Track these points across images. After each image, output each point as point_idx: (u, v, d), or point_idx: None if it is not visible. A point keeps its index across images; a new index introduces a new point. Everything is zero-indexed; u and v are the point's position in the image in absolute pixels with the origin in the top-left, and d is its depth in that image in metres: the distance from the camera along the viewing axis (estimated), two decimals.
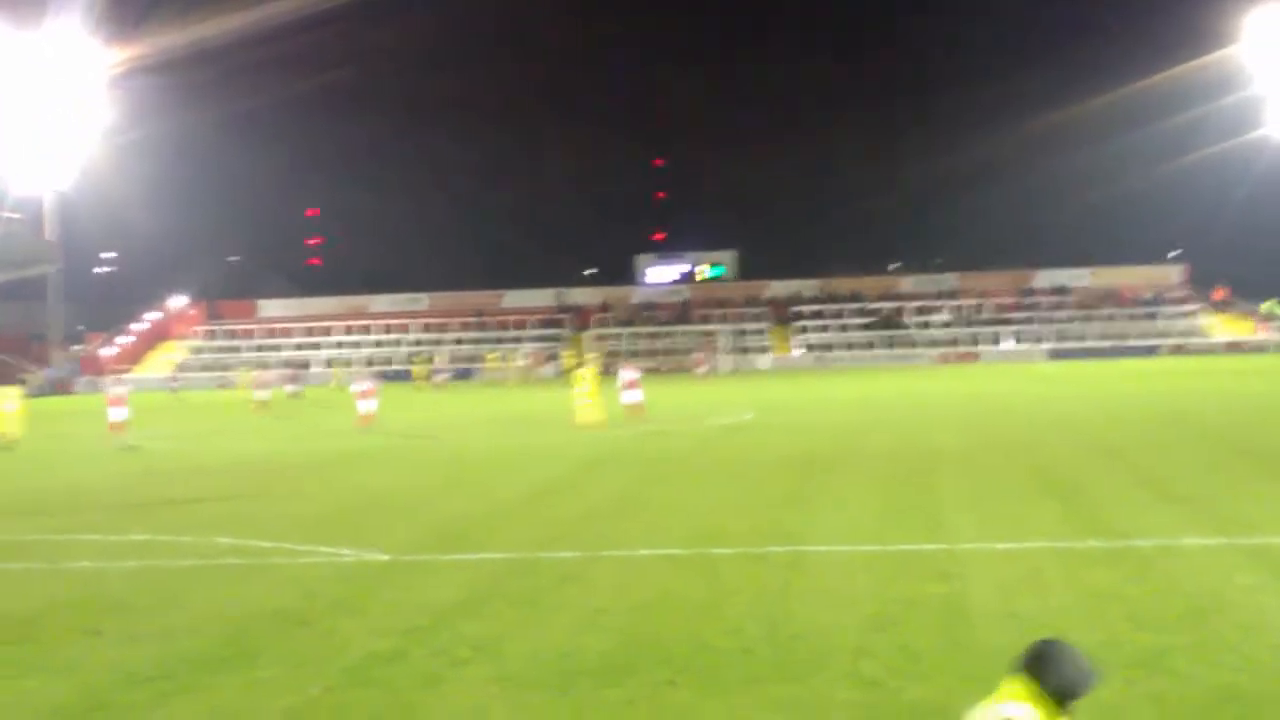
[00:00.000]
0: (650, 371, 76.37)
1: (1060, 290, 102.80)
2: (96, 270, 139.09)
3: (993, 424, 36.45)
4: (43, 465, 34.45)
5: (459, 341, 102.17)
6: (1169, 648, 11.63)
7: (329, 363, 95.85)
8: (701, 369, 75.80)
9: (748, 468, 27.10)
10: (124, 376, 54.00)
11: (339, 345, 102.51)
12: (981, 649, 11.74)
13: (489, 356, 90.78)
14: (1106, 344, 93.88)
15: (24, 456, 37.32)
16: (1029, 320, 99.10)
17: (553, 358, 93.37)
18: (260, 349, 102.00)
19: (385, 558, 17.45)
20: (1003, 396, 49.75)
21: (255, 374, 61.06)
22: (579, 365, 43.91)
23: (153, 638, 13.27)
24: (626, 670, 11.49)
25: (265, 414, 54.97)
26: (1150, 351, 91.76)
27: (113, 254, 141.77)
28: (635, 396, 42.80)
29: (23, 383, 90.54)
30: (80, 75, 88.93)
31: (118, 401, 43.16)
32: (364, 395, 44.30)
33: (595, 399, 40.57)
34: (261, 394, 58.71)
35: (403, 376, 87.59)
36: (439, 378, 79.30)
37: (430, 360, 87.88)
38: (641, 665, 11.63)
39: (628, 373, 43.88)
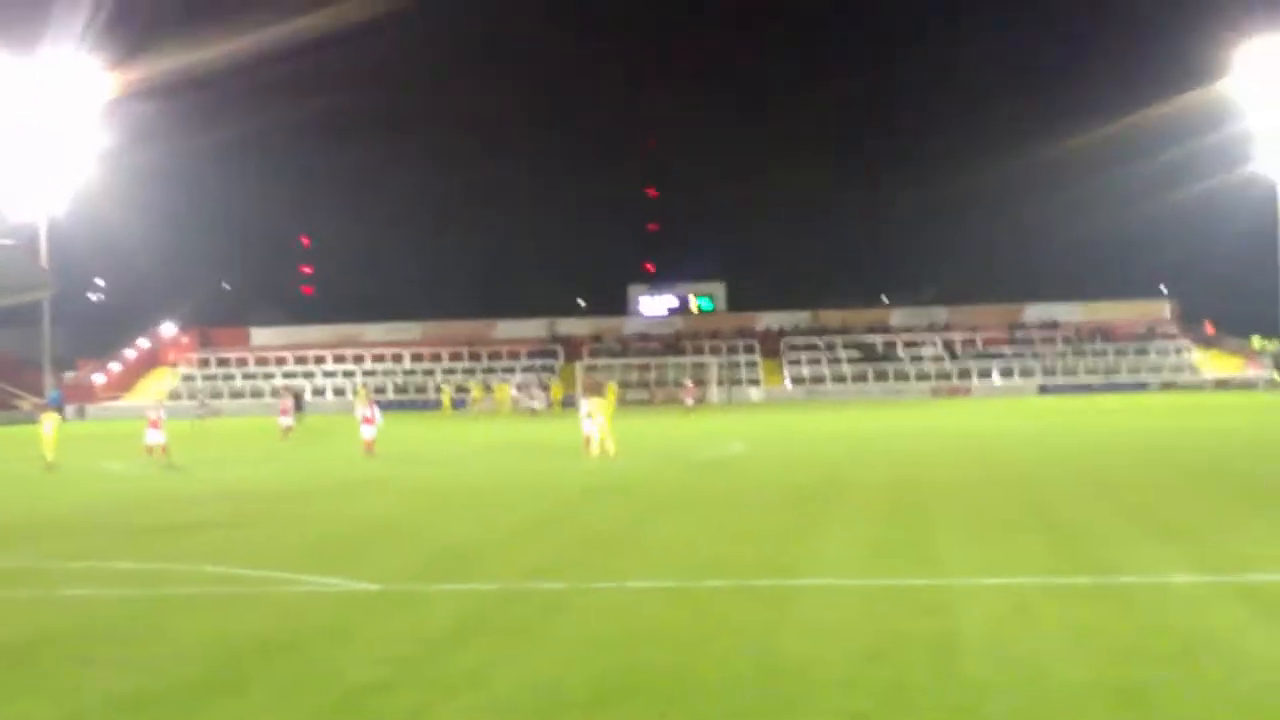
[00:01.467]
0: (641, 403, 76.49)
1: (1050, 324, 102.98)
2: (89, 296, 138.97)
3: (984, 458, 36.51)
4: (35, 490, 34.39)
5: (450, 371, 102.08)
6: (1155, 684, 11.64)
7: (353, 389, 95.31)
8: (690, 400, 75.69)
9: (739, 501, 27.12)
10: (158, 402, 54.70)
11: (329, 374, 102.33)
12: (970, 682, 11.76)
13: (474, 387, 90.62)
14: (1097, 379, 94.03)
15: (13, 479, 37.26)
16: (1019, 354, 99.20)
17: (544, 388, 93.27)
18: (252, 376, 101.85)
19: (376, 587, 17.43)
20: (993, 431, 49.83)
21: (281, 401, 60.92)
22: (597, 394, 43.91)
23: (142, 665, 13.25)
24: (615, 702, 11.49)
25: (288, 440, 54.88)
26: (1140, 387, 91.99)
27: (104, 280, 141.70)
28: (590, 428, 42.16)
29: (15, 408, 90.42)
30: (74, 100, 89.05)
31: (155, 424, 43.85)
32: (366, 421, 44.72)
33: (609, 428, 40.43)
34: (285, 420, 58.42)
35: (412, 406, 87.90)
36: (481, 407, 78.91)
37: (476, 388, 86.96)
38: (630, 697, 11.62)
39: (586, 403, 43.49)
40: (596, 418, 40.34)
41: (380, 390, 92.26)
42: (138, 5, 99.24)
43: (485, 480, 34.07)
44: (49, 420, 43.55)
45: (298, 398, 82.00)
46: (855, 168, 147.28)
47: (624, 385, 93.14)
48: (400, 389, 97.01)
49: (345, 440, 52.83)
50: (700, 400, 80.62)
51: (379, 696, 11.86)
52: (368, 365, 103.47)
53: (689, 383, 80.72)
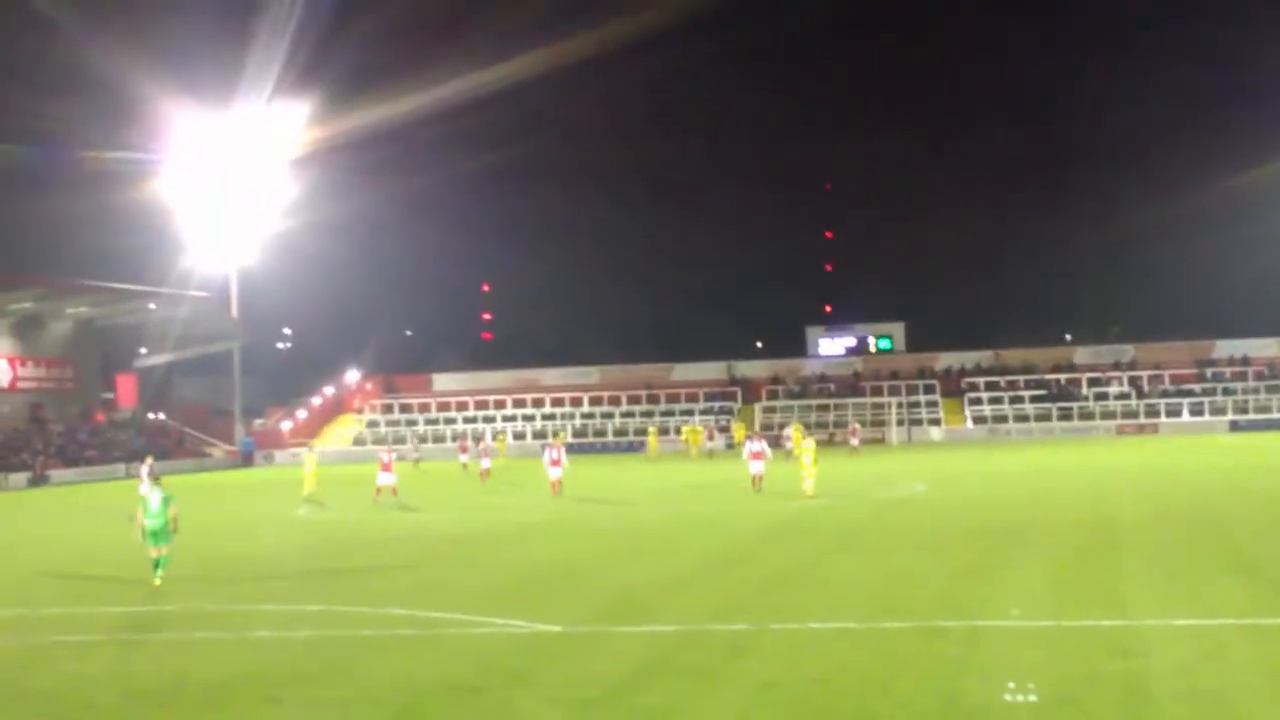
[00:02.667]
0: (821, 443, 75.94)
1: (1242, 360, 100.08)
2: (277, 345, 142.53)
3: (1173, 496, 35.62)
4: (229, 534, 35.24)
5: (628, 414, 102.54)
6: None
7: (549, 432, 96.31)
8: (855, 441, 74.55)
9: (921, 540, 26.79)
10: (392, 447, 57.15)
11: (509, 419, 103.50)
12: None
13: (650, 431, 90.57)
14: None
15: (204, 527, 38.25)
16: (1209, 391, 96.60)
17: (724, 429, 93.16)
18: (434, 422, 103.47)
19: (559, 629, 17.55)
20: (1183, 469, 48.56)
21: (482, 444, 61.48)
22: (804, 437, 45.23)
23: (330, 706, 13.51)
24: None
25: (488, 481, 55.36)
26: None
27: (291, 330, 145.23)
28: (758, 468, 43.74)
29: (207, 455, 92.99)
30: (264, 154, 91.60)
31: (387, 467, 46.81)
32: (554, 463, 46.17)
33: (815, 469, 40.52)
34: (485, 463, 58.44)
35: (590, 449, 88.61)
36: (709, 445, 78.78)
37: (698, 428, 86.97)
38: None
39: (754, 444, 44.95)
40: (803, 458, 40.56)
41: (557, 434, 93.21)
42: (325, 60, 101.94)
43: (664, 521, 34.10)
44: (310, 460, 48.88)
45: (477, 441, 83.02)
46: (1036, 202, 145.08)
47: (804, 425, 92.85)
48: (579, 433, 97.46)
49: (527, 483, 53.28)
50: (865, 441, 79.44)
51: None
52: (546, 409, 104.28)
53: (855, 424, 79.94)
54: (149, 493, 25.09)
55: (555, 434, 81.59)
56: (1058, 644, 15.23)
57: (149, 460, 46.16)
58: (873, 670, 14.20)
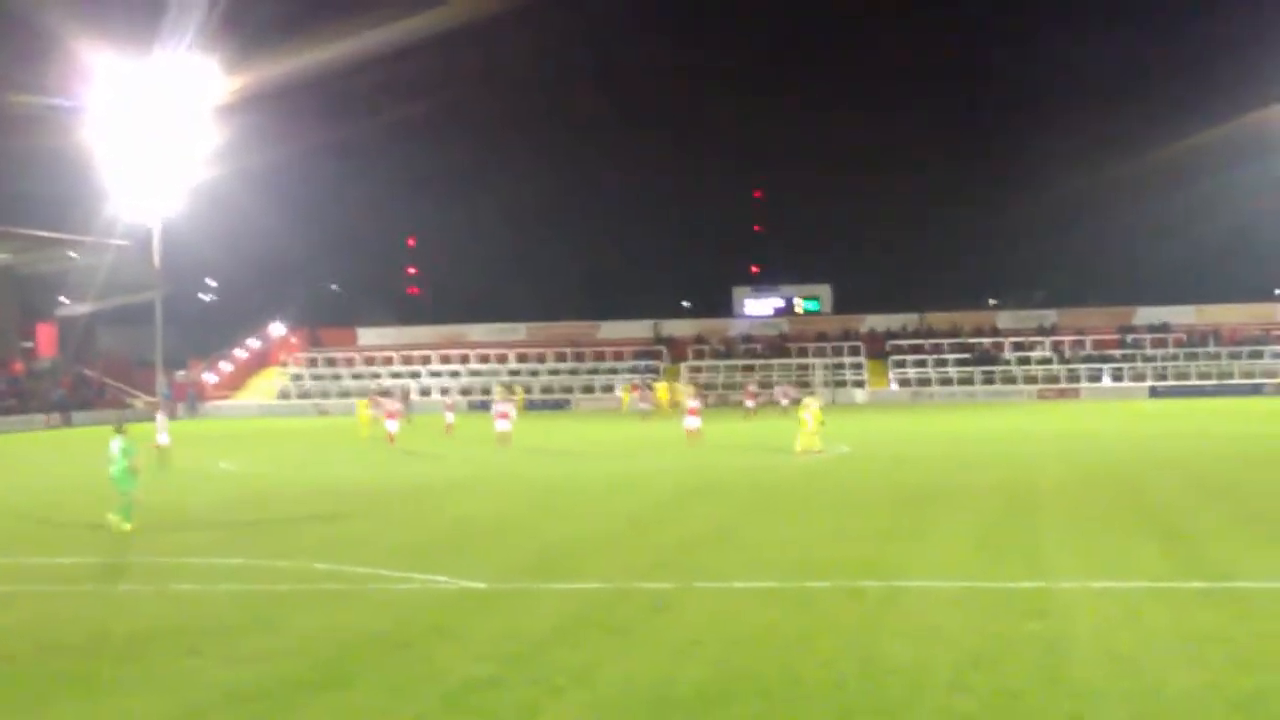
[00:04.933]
0: (741, 404, 76.10)
1: (1161, 327, 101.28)
2: (200, 296, 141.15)
3: (1093, 461, 36.03)
4: (149, 488, 34.84)
5: (554, 372, 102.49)
6: (1272, 691, 11.44)
7: (439, 390, 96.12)
8: (784, 402, 74.63)
9: (844, 501, 26.99)
10: (385, 395, 58.54)
11: (435, 374, 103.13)
12: (1080, 688, 11.63)
13: (624, 387, 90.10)
14: (1209, 383, 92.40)
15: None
16: (1129, 357, 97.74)
17: (648, 388, 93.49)
18: (359, 377, 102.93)
19: (483, 585, 17.55)
20: (1103, 434, 49.14)
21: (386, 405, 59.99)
22: (808, 394, 47.72)
23: (252, 659, 13.46)
24: (720, 702, 11.49)
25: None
26: (1254, 390, 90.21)
27: (215, 281, 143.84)
28: (694, 423, 47.30)
29: (128, 406, 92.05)
30: (186, 102, 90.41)
31: (392, 415, 50.46)
32: (501, 416, 49.25)
33: (818, 428, 41.12)
34: (392, 424, 57.34)
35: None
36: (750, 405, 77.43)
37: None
38: (735, 697, 11.62)
39: (691, 401, 49.07)
40: (805, 417, 41.18)
41: (486, 391, 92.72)
42: (248, 8, 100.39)
43: (591, 478, 34.11)
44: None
45: (406, 396, 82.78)
46: (963, 169, 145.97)
47: (727, 387, 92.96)
48: (508, 389, 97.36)
49: (449, 439, 53.14)
50: (791, 402, 79.62)
51: (487, 693, 11.94)
52: (473, 365, 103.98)
53: (786, 385, 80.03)
54: (112, 440, 25.68)
55: (511, 389, 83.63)
56: (977, 605, 15.40)
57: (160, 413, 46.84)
58: (795, 629, 14.31)
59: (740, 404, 75.08)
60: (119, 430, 26.43)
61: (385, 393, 76.15)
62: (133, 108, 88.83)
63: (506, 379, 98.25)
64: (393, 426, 50.87)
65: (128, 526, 24.53)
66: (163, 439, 42.81)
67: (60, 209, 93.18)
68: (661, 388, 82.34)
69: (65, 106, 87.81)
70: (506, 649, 13.59)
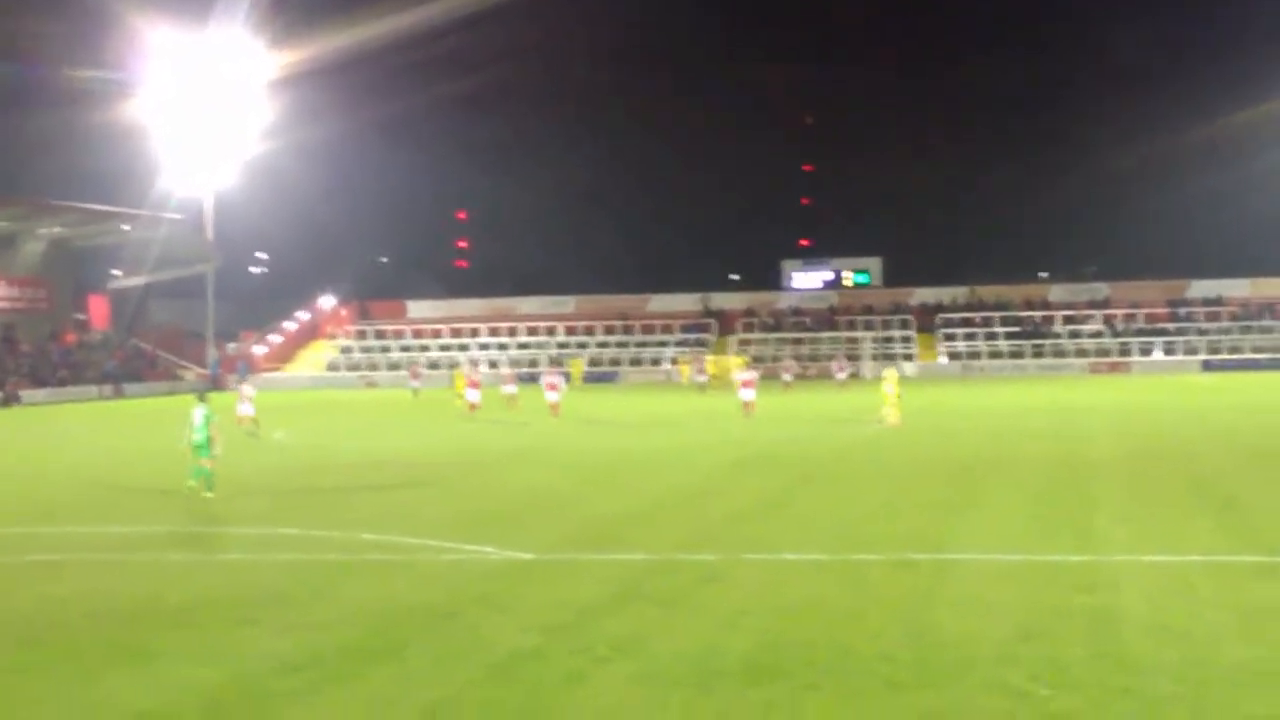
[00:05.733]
0: (797, 376, 76.06)
1: (1215, 300, 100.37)
2: (251, 269, 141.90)
3: (1145, 435, 35.80)
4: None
5: (602, 345, 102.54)
6: None
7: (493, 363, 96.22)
8: (841, 374, 74.75)
9: (894, 474, 26.90)
10: (477, 368, 59.19)
11: (484, 347, 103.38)
12: (1131, 661, 11.56)
13: (682, 360, 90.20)
14: (1263, 356, 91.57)
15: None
16: (1183, 331, 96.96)
17: (678, 361, 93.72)
18: (408, 349, 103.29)
19: (530, 556, 17.60)
20: (1155, 407, 48.79)
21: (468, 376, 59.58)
22: (889, 368, 47.63)
23: (304, 628, 13.54)
24: (768, 672, 11.47)
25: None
26: None
27: (266, 254, 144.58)
28: (749, 395, 47.55)
29: (179, 378, 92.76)
30: (239, 78, 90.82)
31: (554, 387, 50.52)
32: (551, 388, 50.54)
33: (899, 400, 41.26)
34: (473, 395, 57.13)
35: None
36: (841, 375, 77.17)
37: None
38: (783, 668, 11.60)
39: (744, 374, 49.23)
40: (886, 388, 41.50)
41: (534, 364, 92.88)
42: None
43: (641, 451, 34.10)
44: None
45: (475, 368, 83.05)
46: (1015, 141, 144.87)
47: (776, 360, 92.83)
48: (555, 361, 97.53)
49: (513, 411, 53.33)
50: (853, 375, 79.54)
51: (533, 663, 11.97)
52: (521, 338, 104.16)
53: (842, 358, 79.79)
54: (195, 409, 26.37)
55: (560, 362, 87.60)
56: (1027, 578, 15.33)
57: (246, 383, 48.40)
58: (843, 602, 14.28)
59: (778, 376, 74.84)
60: (201, 399, 27.19)
61: (474, 363, 76.70)
62: (186, 83, 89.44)
63: (555, 352, 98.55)
64: (474, 396, 51.94)
65: (209, 494, 25.14)
66: (245, 409, 43.85)
67: (114, 183, 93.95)
68: (711, 361, 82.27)
69: (120, 81, 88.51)
70: (552, 619, 13.61)
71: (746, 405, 47.07)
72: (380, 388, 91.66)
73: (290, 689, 11.35)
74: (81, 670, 12.21)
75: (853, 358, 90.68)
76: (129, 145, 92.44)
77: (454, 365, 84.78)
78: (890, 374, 42.47)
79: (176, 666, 12.20)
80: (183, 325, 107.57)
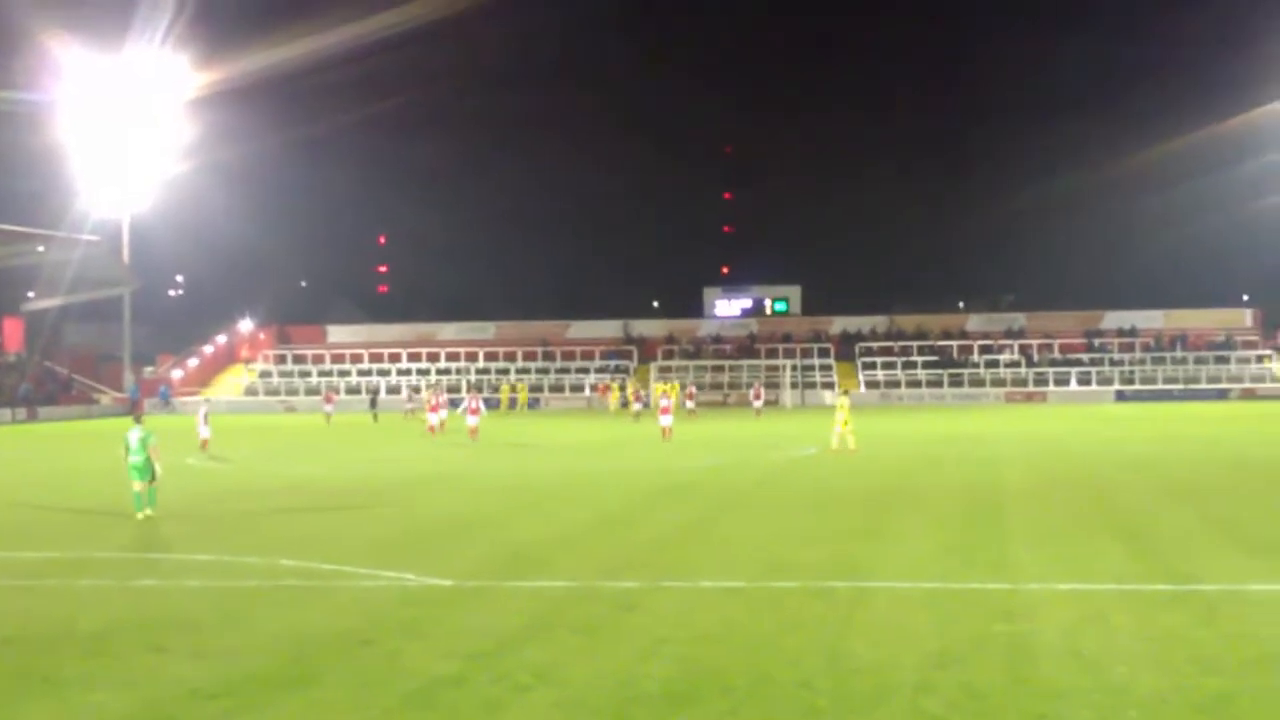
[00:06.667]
0: (715, 405, 76.28)
1: (1129, 331, 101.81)
2: (169, 292, 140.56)
3: (1060, 464, 36.17)
4: (114, 484, 34.57)
5: (523, 371, 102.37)
6: (1236, 693, 11.50)
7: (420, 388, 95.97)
8: (758, 403, 75.00)
9: (811, 502, 27.02)
10: (437, 389, 60.28)
11: (404, 373, 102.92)
12: (1047, 688, 11.66)
13: (612, 386, 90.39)
14: (1176, 387, 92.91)
15: (89, 474, 37.66)
16: (1097, 361, 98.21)
17: (610, 387, 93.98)
18: (327, 374, 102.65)
19: (449, 583, 17.51)
20: (1070, 437, 49.34)
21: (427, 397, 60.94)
22: (843, 394, 47.61)
23: (217, 655, 13.39)
24: (687, 700, 11.48)
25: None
26: (1220, 395, 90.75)
27: (183, 277, 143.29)
28: (666, 421, 50.40)
29: (95, 402, 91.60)
30: (156, 98, 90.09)
31: (475, 411, 51.20)
32: (472, 412, 51.16)
33: (848, 426, 41.70)
34: (433, 418, 57.30)
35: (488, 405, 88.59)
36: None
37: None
38: (702, 695, 11.61)
39: (663, 400, 52.63)
40: (838, 416, 42.00)
41: (454, 389, 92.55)
42: (218, 4, 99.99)
43: (559, 477, 34.08)
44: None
45: (374, 396, 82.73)
46: (933, 173, 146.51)
47: (699, 387, 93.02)
48: (475, 388, 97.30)
49: (421, 437, 53.15)
50: (765, 404, 79.63)
51: (452, 691, 11.91)
52: (442, 364, 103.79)
53: (759, 386, 79.96)
54: (130, 431, 26.28)
55: (514, 386, 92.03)
56: (944, 606, 15.43)
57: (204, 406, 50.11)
58: (762, 629, 14.31)
59: (745, 404, 75.65)
60: (137, 420, 27.30)
61: (438, 387, 76.47)
62: (103, 103, 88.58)
63: (475, 378, 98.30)
64: (434, 419, 54.90)
65: (151, 511, 25.51)
66: (204, 432, 45.64)
67: (29, 204, 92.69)
68: (659, 388, 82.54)
69: (33, 101, 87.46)
70: (472, 647, 13.55)
71: (665, 430, 49.04)
72: (299, 413, 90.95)
73: (202, 717, 11.23)
74: None
75: (772, 386, 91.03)
76: (44, 166, 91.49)
77: (416, 389, 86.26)
78: (843, 401, 42.91)
79: (87, 694, 12.03)
80: (98, 348, 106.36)
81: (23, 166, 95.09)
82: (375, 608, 15.91)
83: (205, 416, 46.46)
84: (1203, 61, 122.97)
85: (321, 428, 65.93)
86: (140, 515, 25.43)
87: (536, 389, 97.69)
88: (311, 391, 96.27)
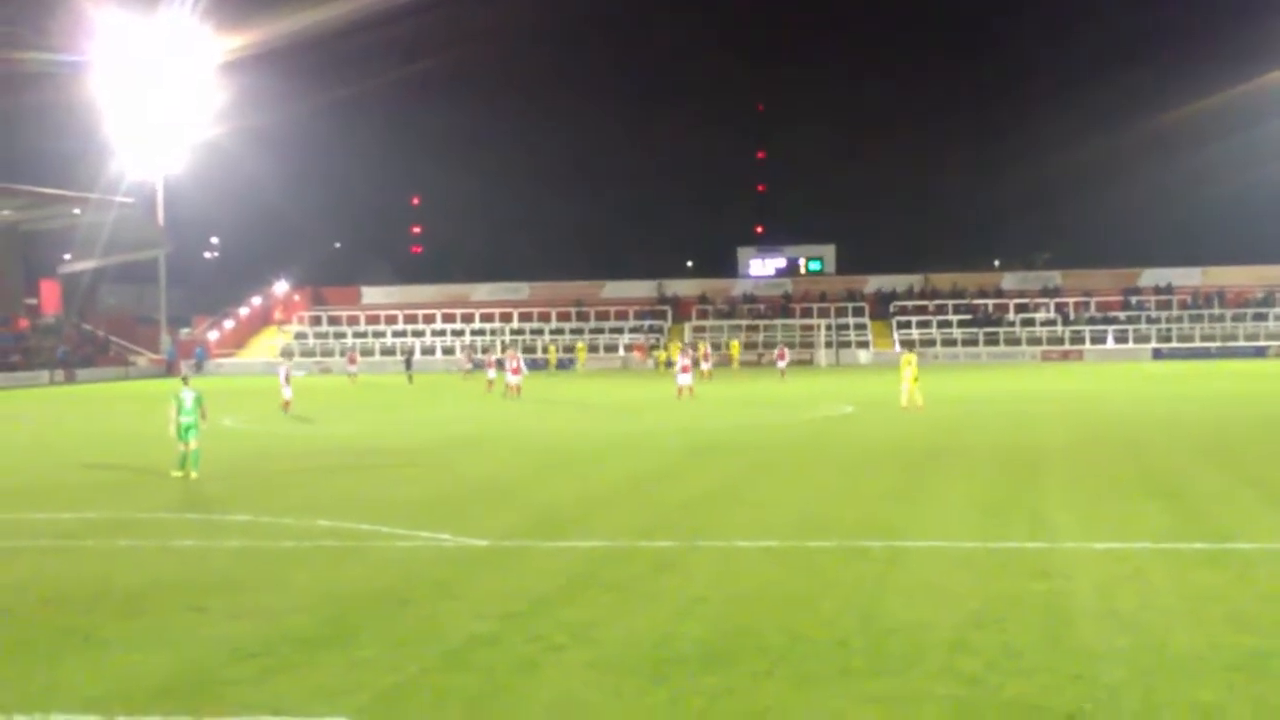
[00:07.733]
0: (749, 364, 76.09)
1: (1166, 289, 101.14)
2: (204, 254, 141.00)
3: (1097, 422, 36.02)
4: (152, 445, 34.75)
5: (557, 331, 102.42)
6: (1272, 651, 11.43)
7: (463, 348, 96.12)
8: (782, 364, 73.46)
9: (847, 461, 27.00)
10: (516, 353, 59.38)
11: (438, 334, 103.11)
12: (1083, 648, 11.62)
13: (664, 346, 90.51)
14: (1213, 344, 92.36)
15: (130, 437, 37.86)
16: (1134, 319, 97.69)
17: (655, 347, 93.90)
18: (362, 335, 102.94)
19: (485, 543, 17.56)
20: (1106, 395, 49.12)
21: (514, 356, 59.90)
22: (909, 351, 48.30)
23: (256, 615, 13.46)
24: (722, 659, 11.49)
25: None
26: (1259, 352, 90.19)
27: (218, 240, 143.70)
28: (686, 380, 49.90)
29: (132, 364, 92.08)
30: (192, 63, 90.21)
31: (516, 370, 53.17)
32: (513, 371, 53.07)
33: (917, 383, 42.38)
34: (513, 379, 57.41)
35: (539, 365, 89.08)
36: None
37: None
38: (737, 655, 11.62)
39: (682, 358, 51.23)
40: (906, 374, 42.64)
41: (488, 350, 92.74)
42: None
43: (595, 437, 34.10)
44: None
45: (408, 357, 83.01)
46: (969, 130, 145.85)
47: (717, 347, 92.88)
48: (514, 347, 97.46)
49: (459, 397, 53.27)
50: (793, 364, 78.61)
51: (488, 650, 11.94)
52: (476, 325, 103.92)
53: (783, 347, 79.09)
54: (183, 390, 26.55)
55: (506, 347, 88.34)
56: (980, 565, 15.39)
57: (287, 365, 51.40)
58: (796, 588, 14.31)
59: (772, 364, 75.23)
60: (185, 381, 27.56)
61: (516, 348, 76.73)
62: (138, 64, 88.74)
63: (510, 338, 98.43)
64: (513, 380, 53.86)
65: (195, 474, 25.80)
66: (286, 392, 46.44)
67: (65, 166, 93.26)
68: (674, 347, 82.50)
69: (69, 62, 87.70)
70: (508, 607, 13.58)
71: (681, 390, 49.29)
72: (333, 374, 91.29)
73: (241, 676, 11.28)
74: (33, 656, 12.11)
75: (806, 345, 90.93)
76: (79, 128, 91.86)
77: (474, 349, 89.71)
78: (909, 357, 42.92)
79: (127, 653, 12.11)
80: (135, 310, 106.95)
81: (58, 129, 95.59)
82: (412, 568, 15.97)
83: (286, 376, 47.23)
84: (1240, 17, 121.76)
85: (348, 389, 66.21)
86: (177, 475, 25.79)
87: (570, 349, 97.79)
88: (345, 353, 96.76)
